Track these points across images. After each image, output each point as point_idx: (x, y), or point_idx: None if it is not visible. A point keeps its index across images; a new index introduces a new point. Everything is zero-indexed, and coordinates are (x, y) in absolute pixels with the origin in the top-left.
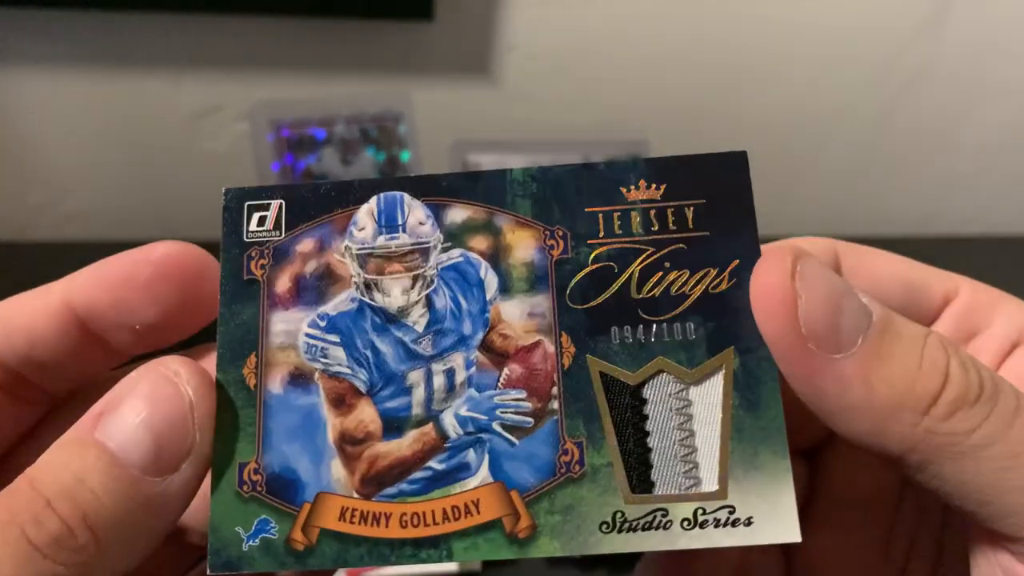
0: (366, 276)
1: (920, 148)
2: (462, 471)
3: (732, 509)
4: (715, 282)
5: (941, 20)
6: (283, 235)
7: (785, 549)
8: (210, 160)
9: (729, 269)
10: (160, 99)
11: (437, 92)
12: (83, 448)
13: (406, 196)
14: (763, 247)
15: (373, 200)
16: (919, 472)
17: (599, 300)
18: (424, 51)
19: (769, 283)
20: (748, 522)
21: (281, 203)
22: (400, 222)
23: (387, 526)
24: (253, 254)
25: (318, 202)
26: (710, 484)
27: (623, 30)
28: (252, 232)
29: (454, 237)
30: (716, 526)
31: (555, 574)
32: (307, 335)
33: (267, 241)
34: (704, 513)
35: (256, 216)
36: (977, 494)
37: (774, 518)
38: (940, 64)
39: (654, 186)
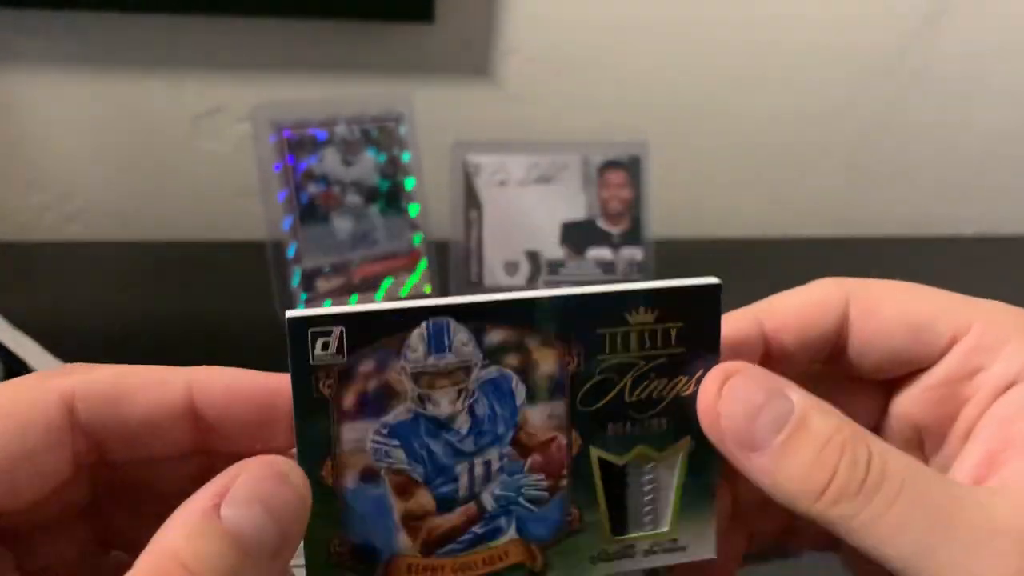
0: (419, 391)
1: (920, 148)
2: (496, 532)
3: (675, 540)
4: (684, 387)
5: (940, 21)
6: (345, 357)
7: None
8: (212, 160)
9: (695, 377)
10: (162, 100)
11: (438, 93)
12: (221, 536)
13: (452, 322)
14: (717, 367)
15: (423, 325)
16: (834, 533)
17: (601, 404)
18: (425, 53)
19: (703, 402)
20: (684, 548)
21: (342, 329)
22: (447, 344)
23: (443, 573)
24: (320, 375)
25: (375, 328)
26: (664, 527)
27: (622, 32)
28: (318, 356)
29: (491, 355)
30: (663, 551)
31: None
32: (373, 441)
33: (332, 364)
34: (657, 545)
35: (320, 342)
36: (875, 556)
37: (700, 544)
38: (939, 65)
39: (651, 311)
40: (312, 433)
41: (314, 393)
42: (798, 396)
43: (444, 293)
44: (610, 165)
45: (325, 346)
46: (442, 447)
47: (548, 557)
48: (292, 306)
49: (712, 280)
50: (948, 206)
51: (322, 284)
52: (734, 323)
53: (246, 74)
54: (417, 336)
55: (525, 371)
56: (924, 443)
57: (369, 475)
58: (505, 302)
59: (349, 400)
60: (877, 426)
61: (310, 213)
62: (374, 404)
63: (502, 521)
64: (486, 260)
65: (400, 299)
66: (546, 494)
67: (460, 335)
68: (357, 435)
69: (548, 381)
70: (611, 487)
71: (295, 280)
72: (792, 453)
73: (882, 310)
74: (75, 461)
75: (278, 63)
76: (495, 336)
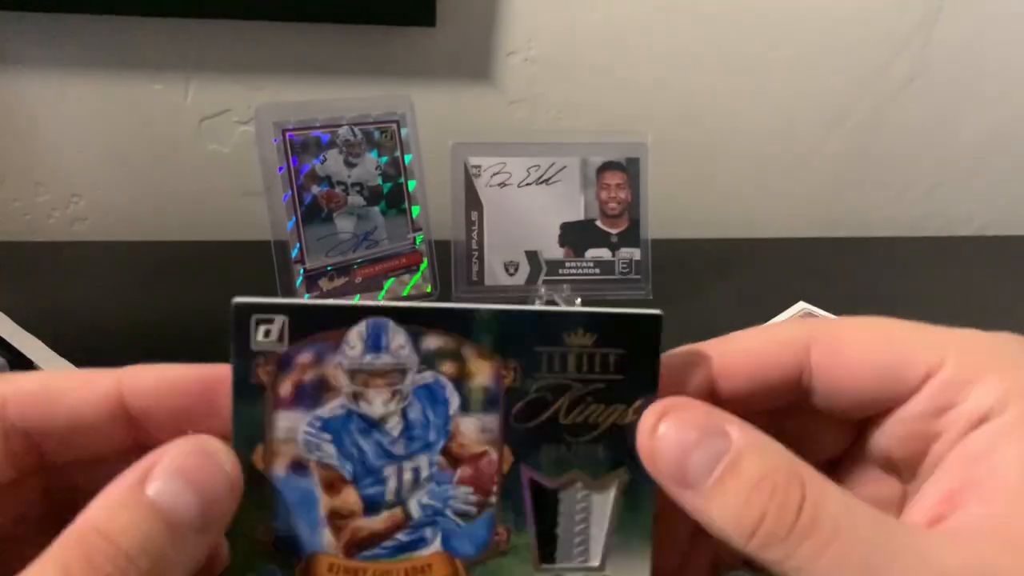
0: (354, 388)
1: (914, 150)
2: (421, 543)
3: None
4: (620, 416)
5: (936, 23)
6: (286, 346)
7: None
8: (216, 162)
9: (632, 407)
10: (167, 102)
11: (439, 96)
12: (144, 508)
13: (391, 323)
14: (668, 359)
15: (363, 324)
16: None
17: (536, 422)
18: (426, 56)
19: (640, 438)
20: None
21: (285, 319)
22: (384, 345)
23: None
24: (259, 361)
25: (317, 320)
26: (595, 561)
27: (621, 36)
28: (259, 342)
29: (428, 360)
30: None
31: None
32: (306, 432)
33: (271, 351)
34: None
35: (262, 328)
36: None
37: None
38: (936, 66)
39: (589, 334)
40: (247, 417)
41: (252, 379)
42: (738, 433)
43: (445, 293)
44: (609, 166)
45: (267, 333)
46: (372, 447)
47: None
48: None
49: (653, 311)
50: (945, 206)
51: (325, 284)
52: (683, 356)
53: (251, 77)
54: (356, 334)
55: (460, 380)
56: (900, 473)
57: (299, 466)
58: (444, 310)
59: (285, 389)
60: (850, 455)
61: (313, 214)
62: (309, 396)
63: (427, 532)
64: (486, 260)
65: (401, 299)
66: (474, 509)
67: (398, 337)
68: (290, 424)
69: (483, 393)
70: (542, 511)
71: (298, 280)
72: (723, 493)
73: (847, 353)
74: (14, 463)
75: (282, 66)
76: (432, 342)
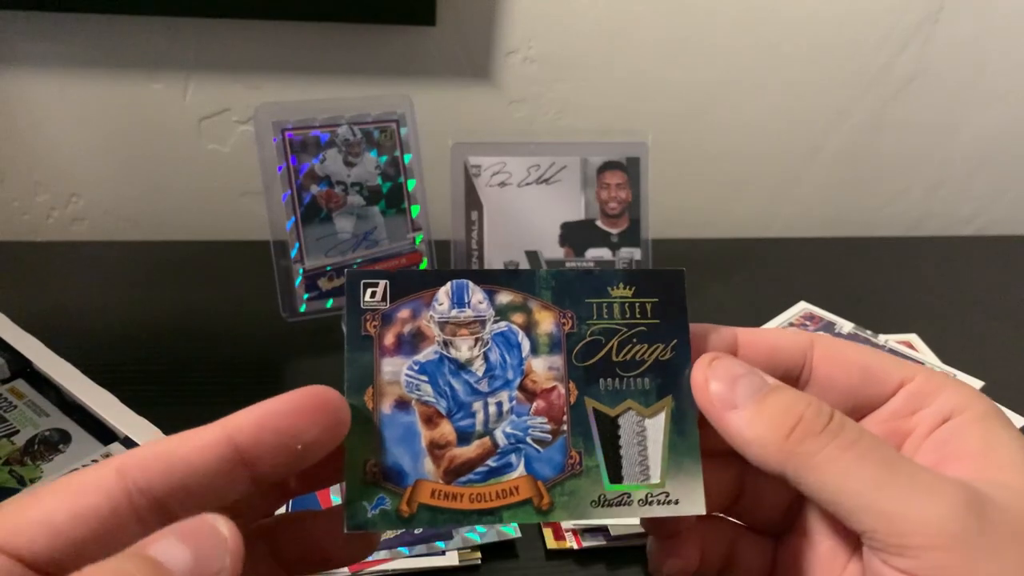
0: (444, 337)
1: (914, 150)
2: (507, 468)
3: (667, 494)
4: (662, 353)
5: (934, 24)
6: (388, 305)
7: (773, 540)
8: (215, 161)
9: (671, 345)
10: (166, 101)
11: (439, 95)
12: (143, 560)
13: (471, 283)
14: (702, 332)
15: (449, 284)
16: (797, 483)
17: (593, 360)
18: (426, 55)
19: (695, 374)
20: (676, 502)
21: (387, 282)
22: (467, 301)
23: (461, 501)
24: (367, 317)
25: (411, 283)
26: (656, 478)
27: (621, 35)
28: (366, 302)
29: (502, 313)
30: (658, 504)
31: (554, 568)
32: (406, 375)
33: (377, 309)
34: (652, 496)
35: (369, 291)
36: (830, 496)
37: (691, 500)
38: (933, 67)
39: (629, 288)
40: (359, 364)
41: (362, 331)
42: (772, 379)
43: None
44: (609, 166)
45: (373, 295)
46: (462, 386)
47: (553, 496)
48: (295, 306)
49: (678, 268)
50: (946, 206)
51: (324, 284)
52: (710, 327)
53: (250, 76)
54: (443, 292)
55: (528, 328)
56: None
57: (402, 404)
58: (511, 272)
59: (389, 339)
60: None
61: (312, 213)
62: (408, 344)
63: (512, 457)
64: (486, 260)
65: None
66: (549, 436)
67: (477, 295)
68: (394, 368)
69: (548, 338)
70: (606, 436)
71: (297, 280)
72: (766, 407)
73: (843, 355)
74: (144, 527)
75: (282, 65)
76: (504, 298)
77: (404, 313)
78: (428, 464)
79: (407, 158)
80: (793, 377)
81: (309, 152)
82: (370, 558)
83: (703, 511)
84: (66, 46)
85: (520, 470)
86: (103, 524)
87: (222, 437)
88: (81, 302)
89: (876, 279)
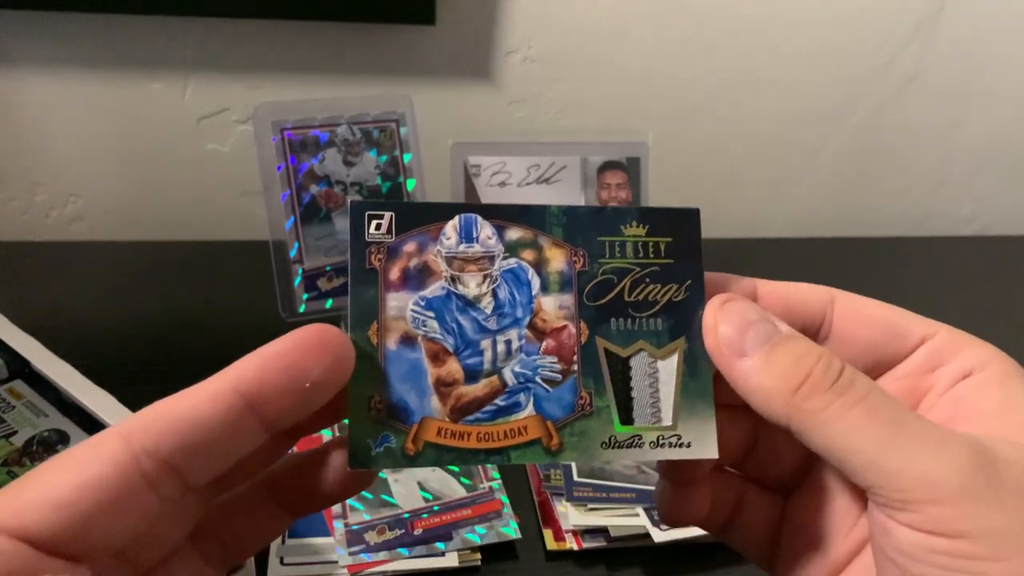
0: (452, 272)
1: (915, 149)
2: (516, 407)
3: (679, 436)
4: (675, 294)
5: (935, 24)
6: (393, 238)
7: (782, 498)
8: (214, 161)
9: (684, 286)
10: (165, 101)
11: (438, 94)
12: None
13: (479, 217)
14: (721, 280)
15: (456, 218)
16: (802, 438)
17: (604, 300)
18: (426, 55)
19: (706, 316)
20: (688, 444)
21: (392, 214)
22: (475, 236)
23: (468, 440)
24: (372, 250)
25: (418, 216)
26: (667, 421)
27: (622, 34)
28: (371, 234)
29: (511, 249)
30: (669, 446)
31: (554, 569)
32: (412, 310)
33: (382, 242)
34: (663, 438)
35: (374, 223)
36: (836, 453)
37: (702, 443)
38: (934, 66)
39: (642, 226)
40: (363, 298)
41: (367, 264)
42: (785, 327)
43: None
44: (609, 166)
45: (378, 227)
46: (470, 323)
47: (563, 437)
48: (294, 307)
49: (693, 207)
50: (947, 206)
51: (324, 284)
52: (730, 276)
53: (249, 75)
54: (451, 226)
55: (539, 265)
56: None
57: (407, 340)
58: (522, 207)
59: (394, 273)
60: None
61: (312, 213)
62: (415, 279)
63: (521, 397)
64: None
65: None
66: (559, 376)
67: (486, 229)
68: (399, 303)
69: (559, 276)
70: (617, 376)
71: (297, 280)
72: (775, 358)
73: (864, 309)
74: (158, 493)
75: (281, 64)
76: (513, 234)
77: (410, 247)
78: (434, 402)
79: (407, 158)
80: (812, 331)
81: (308, 152)
82: (369, 559)
83: (715, 455)
84: (65, 45)
85: (529, 410)
86: (112, 494)
87: (226, 386)
88: (79, 302)
89: (876, 279)
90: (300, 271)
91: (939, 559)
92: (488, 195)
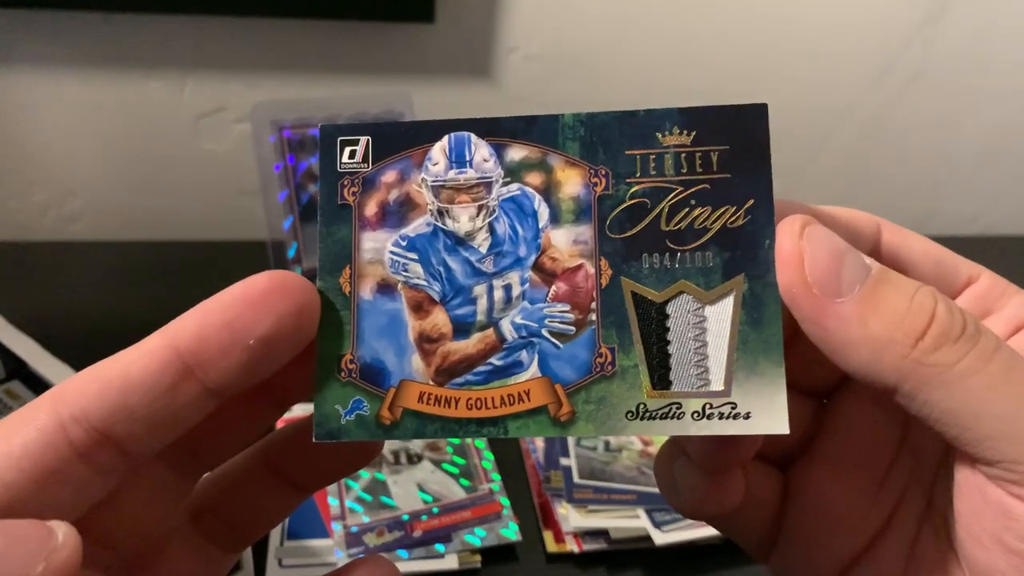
0: (439, 204)
1: (918, 149)
2: (516, 367)
3: (734, 405)
4: (732, 218)
5: (938, 22)
6: (370, 167)
7: (784, 474)
8: (212, 160)
9: (745, 207)
10: (163, 100)
11: (438, 93)
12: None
13: (473, 136)
14: (781, 205)
15: (445, 139)
16: (911, 400)
17: (633, 231)
18: (425, 53)
19: (782, 244)
20: (747, 416)
21: (368, 139)
22: (468, 159)
23: (456, 408)
24: (345, 182)
25: (399, 139)
26: (717, 385)
27: (622, 31)
28: (344, 164)
29: (513, 173)
30: (720, 418)
31: (554, 571)
32: (391, 252)
33: (356, 172)
34: (711, 408)
35: (347, 150)
36: (960, 419)
37: (769, 414)
38: (937, 65)
39: (686, 132)
40: (333, 240)
41: (339, 199)
42: (874, 262)
43: None
44: None
45: (352, 155)
46: (460, 265)
47: (575, 404)
48: None
49: (759, 102)
50: (950, 205)
51: None
52: (784, 202)
53: (247, 74)
54: (439, 149)
55: (548, 191)
56: None
57: (385, 288)
58: (527, 118)
59: (371, 209)
60: None
61: (311, 213)
62: (395, 215)
63: (523, 355)
64: None
65: None
66: (572, 328)
67: (481, 150)
68: (376, 244)
69: (573, 203)
70: (649, 328)
71: None
72: (884, 298)
73: (910, 241)
74: (91, 465)
75: (279, 63)
76: (516, 153)
77: (390, 176)
78: (416, 361)
79: None
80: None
81: (307, 151)
82: None
83: (786, 430)
84: (62, 44)
85: (533, 370)
86: (37, 463)
87: (162, 343)
88: (77, 302)
89: None
90: (299, 271)
91: None
92: None
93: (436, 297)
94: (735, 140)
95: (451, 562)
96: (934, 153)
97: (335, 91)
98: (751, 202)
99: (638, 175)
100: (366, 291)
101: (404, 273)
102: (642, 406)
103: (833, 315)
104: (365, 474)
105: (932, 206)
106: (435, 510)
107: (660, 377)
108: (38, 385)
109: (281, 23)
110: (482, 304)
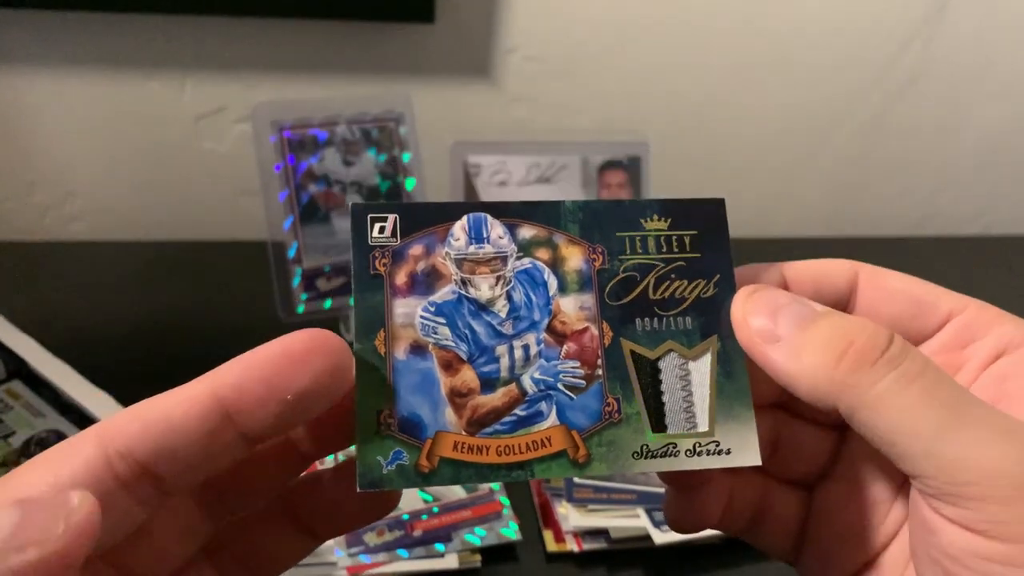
0: (462, 275)
1: (917, 149)
2: (537, 416)
3: (717, 443)
4: (704, 289)
5: (938, 22)
6: (399, 241)
7: (806, 492)
8: (212, 161)
9: (713, 280)
10: (163, 100)
11: (438, 93)
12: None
13: (488, 216)
14: (744, 270)
15: (464, 218)
16: (851, 421)
17: (628, 299)
18: (425, 53)
19: (733, 311)
20: (728, 451)
21: (396, 216)
22: (485, 235)
23: (487, 455)
24: (376, 255)
25: (423, 217)
26: (703, 426)
27: (622, 32)
28: (374, 238)
29: (524, 248)
30: (707, 454)
31: (554, 570)
32: (422, 317)
33: (386, 245)
34: (700, 446)
35: (377, 226)
36: (885, 436)
37: (743, 449)
38: (937, 65)
39: (663, 219)
40: (368, 306)
41: (371, 270)
42: (819, 306)
43: None
44: (610, 165)
45: (382, 230)
46: (484, 327)
47: (590, 448)
48: (292, 307)
49: (717, 197)
50: (950, 205)
51: (322, 284)
52: (757, 267)
53: (247, 74)
54: (459, 227)
55: (555, 265)
56: None
57: (417, 348)
58: (533, 203)
59: (401, 278)
60: None
61: (311, 213)
62: (423, 283)
63: (543, 406)
64: None
65: None
66: (583, 382)
67: (496, 229)
68: (407, 310)
69: (577, 275)
70: (646, 381)
71: (296, 280)
72: (812, 333)
73: (889, 283)
74: (134, 496)
75: (279, 63)
76: (526, 232)
77: (416, 250)
78: (449, 414)
79: (406, 157)
80: (840, 309)
81: (307, 151)
82: (368, 560)
83: (758, 462)
84: (62, 44)
85: (552, 419)
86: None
87: (205, 391)
88: (77, 302)
89: None
90: (299, 271)
91: (988, 566)
92: (488, 194)
93: (464, 356)
94: (701, 226)
95: (451, 561)
96: (934, 153)
97: (335, 91)
98: (717, 276)
99: (628, 253)
100: (400, 352)
101: (434, 335)
102: (645, 447)
103: (774, 356)
104: None
105: (932, 206)
106: (435, 509)
107: (657, 421)
108: (39, 385)
109: (281, 23)
110: (504, 362)
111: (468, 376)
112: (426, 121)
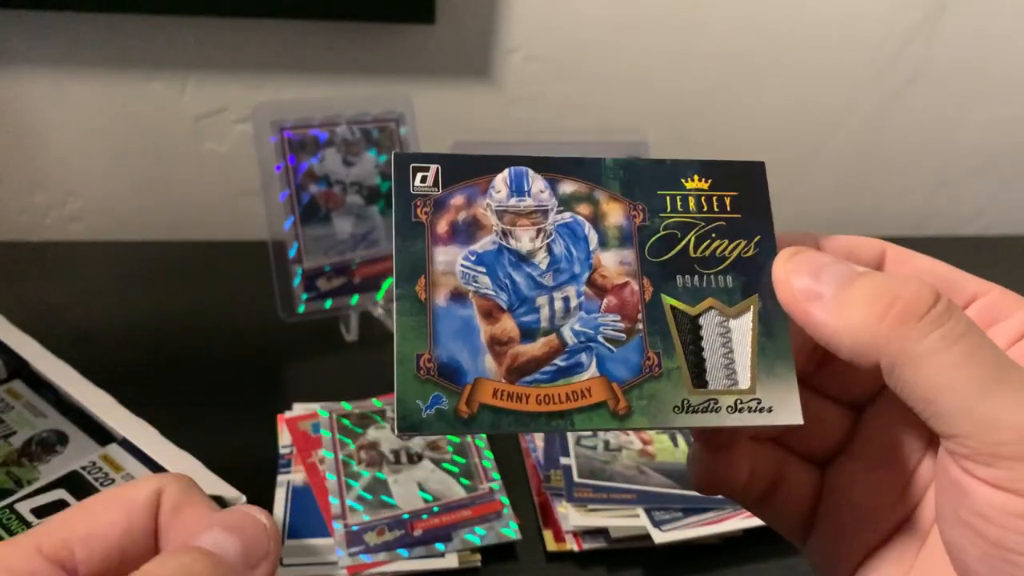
0: (503, 226)
1: (917, 149)
2: (577, 367)
3: (759, 400)
4: (745, 249)
5: (938, 21)
6: (440, 191)
7: (820, 469)
8: (213, 161)
9: (754, 241)
10: (164, 100)
11: (438, 94)
12: (194, 551)
13: (530, 170)
14: (781, 237)
15: (506, 171)
16: (890, 377)
17: (668, 256)
18: (425, 53)
19: (775, 270)
20: (769, 409)
21: (438, 167)
22: (526, 189)
23: (527, 403)
24: (418, 203)
25: (465, 168)
26: (744, 383)
27: (622, 32)
28: (416, 187)
29: (565, 203)
30: (749, 411)
31: (554, 570)
32: (462, 265)
33: (428, 195)
34: (741, 403)
35: (419, 175)
36: (923, 393)
37: (785, 407)
38: (936, 65)
39: (704, 180)
40: (409, 252)
41: (413, 218)
42: (862, 268)
43: None
44: None
45: (424, 179)
46: (524, 278)
47: (631, 400)
48: (293, 307)
49: (758, 160)
50: (950, 205)
51: (323, 284)
52: (793, 234)
53: (248, 75)
54: (501, 179)
55: (595, 220)
56: None
57: (458, 296)
58: (575, 159)
59: (442, 227)
60: None
61: (311, 213)
62: (464, 232)
63: (583, 357)
64: None
65: None
66: (623, 335)
67: (538, 183)
68: (448, 258)
69: (617, 231)
70: (687, 337)
71: (296, 280)
72: (856, 289)
73: (916, 263)
74: None
75: (280, 64)
76: (567, 187)
77: (458, 200)
78: (489, 361)
79: None
80: None
81: (308, 151)
82: (369, 560)
83: (800, 420)
84: (63, 45)
85: (592, 370)
86: None
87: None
88: (78, 302)
89: None
90: (299, 271)
91: (1022, 523)
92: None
93: (504, 306)
94: (742, 188)
95: (451, 561)
96: (933, 153)
97: (335, 91)
98: (758, 237)
99: (668, 211)
100: (440, 298)
101: (474, 284)
102: (686, 402)
103: (817, 313)
104: (366, 473)
105: (931, 206)
106: (435, 509)
107: (698, 377)
108: (40, 385)
109: (281, 24)
110: (544, 313)
111: (508, 325)
112: (426, 121)
